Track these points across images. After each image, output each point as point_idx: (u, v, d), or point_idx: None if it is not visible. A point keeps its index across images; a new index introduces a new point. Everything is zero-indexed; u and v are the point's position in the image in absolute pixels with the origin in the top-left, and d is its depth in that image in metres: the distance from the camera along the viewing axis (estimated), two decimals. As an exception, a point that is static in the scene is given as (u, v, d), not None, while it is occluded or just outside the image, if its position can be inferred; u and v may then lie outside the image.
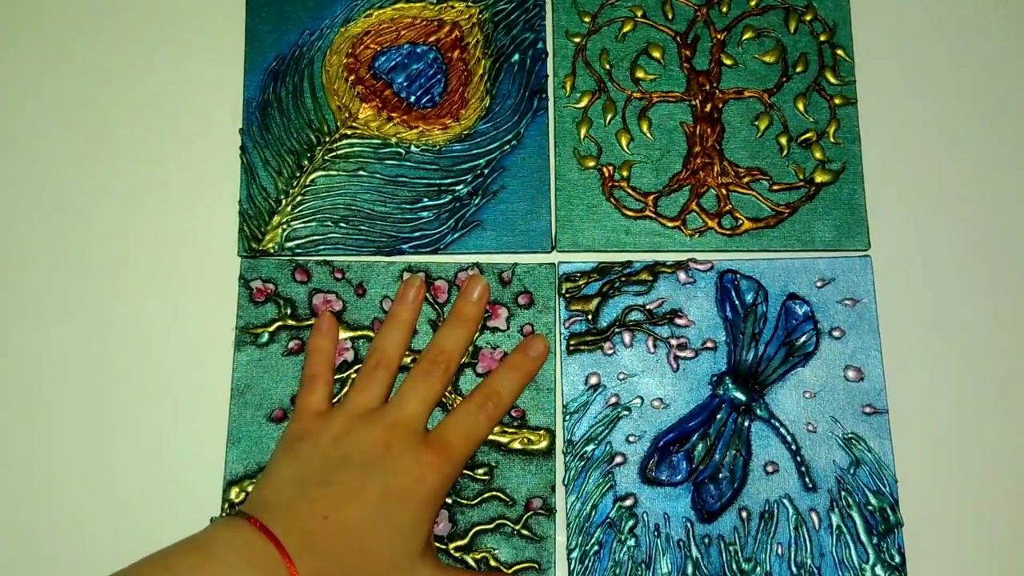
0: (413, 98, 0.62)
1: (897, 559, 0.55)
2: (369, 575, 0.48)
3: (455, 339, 0.56)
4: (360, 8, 0.64)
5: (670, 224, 0.60)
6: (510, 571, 0.55)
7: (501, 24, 0.64)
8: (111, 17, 0.64)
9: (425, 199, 0.60)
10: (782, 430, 0.57)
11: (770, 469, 0.57)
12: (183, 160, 0.62)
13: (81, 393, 0.58)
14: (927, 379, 0.59)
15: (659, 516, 0.56)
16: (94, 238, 0.61)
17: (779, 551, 0.55)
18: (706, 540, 0.56)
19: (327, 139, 0.62)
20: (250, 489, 0.56)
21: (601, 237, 0.60)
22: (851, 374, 0.58)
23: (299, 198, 0.60)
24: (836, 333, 0.58)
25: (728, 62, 0.63)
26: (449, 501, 0.56)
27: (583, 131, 0.62)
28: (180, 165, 0.62)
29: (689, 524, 0.56)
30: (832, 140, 0.61)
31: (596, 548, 0.55)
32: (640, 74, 0.63)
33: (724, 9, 0.64)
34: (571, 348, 0.58)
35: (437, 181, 0.61)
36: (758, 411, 0.57)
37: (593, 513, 0.56)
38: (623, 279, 0.59)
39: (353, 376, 0.58)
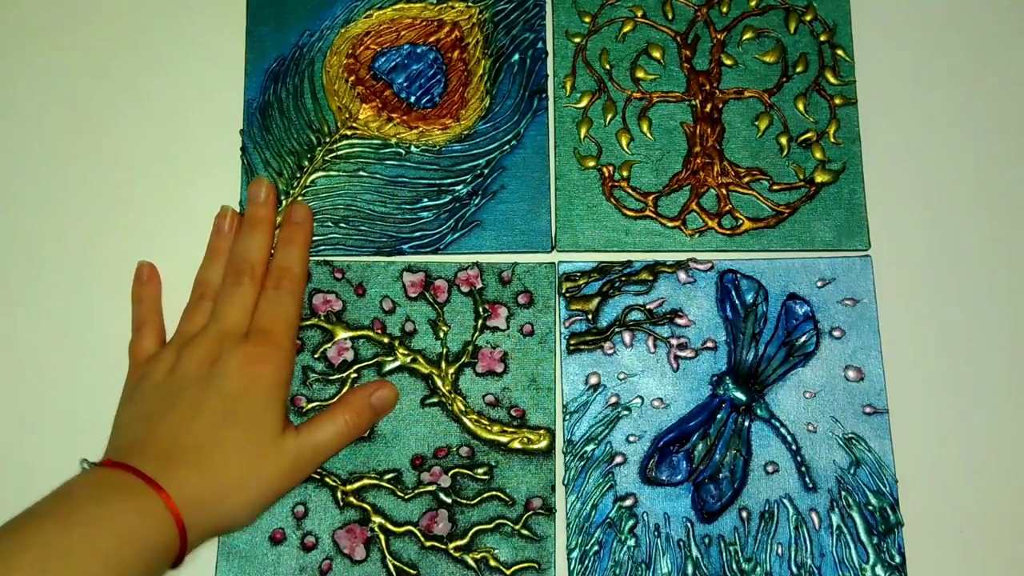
0: (413, 98, 0.62)
1: (897, 559, 0.55)
2: (236, 473, 0.50)
3: (255, 244, 0.57)
4: (360, 9, 0.64)
5: (670, 224, 0.60)
6: (510, 571, 0.55)
7: (501, 24, 0.64)
8: (112, 18, 0.64)
9: (425, 199, 0.61)
10: (782, 430, 0.57)
11: (770, 469, 0.57)
12: (184, 161, 0.62)
13: (82, 392, 0.58)
14: (927, 379, 0.59)
15: (659, 516, 0.56)
16: (95, 238, 0.61)
17: (779, 551, 0.55)
18: (706, 540, 0.56)
19: (327, 140, 0.62)
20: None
21: (601, 237, 0.60)
22: (851, 374, 0.58)
23: (299, 198, 0.61)
24: (836, 333, 0.58)
25: (728, 62, 0.63)
26: (449, 501, 0.56)
27: (583, 131, 0.62)
28: (181, 165, 0.62)
29: (689, 524, 0.56)
30: (832, 140, 0.61)
31: (596, 548, 0.55)
32: (640, 74, 0.63)
33: (724, 9, 0.64)
34: (571, 348, 0.58)
35: (437, 181, 0.61)
36: (758, 411, 0.57)
37: (593, 513, 0.56)
38: (623, 279, 0.59)
39: (353, 375, 0.58)
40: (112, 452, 0.51)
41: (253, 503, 0.51)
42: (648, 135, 0.62)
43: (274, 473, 0.51)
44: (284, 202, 0.60)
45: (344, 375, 0.58)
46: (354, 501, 0.56)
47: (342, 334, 0.58)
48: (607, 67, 0.63)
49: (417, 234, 0.60)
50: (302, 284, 0.57)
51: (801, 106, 0.62)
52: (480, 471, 0.57)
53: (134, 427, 0.51)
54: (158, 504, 0.46)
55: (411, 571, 0.55)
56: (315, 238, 0.60)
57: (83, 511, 0.45)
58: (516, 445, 0.57)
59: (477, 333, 0.59)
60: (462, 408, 0.57)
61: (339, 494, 0.56)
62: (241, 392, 0.51)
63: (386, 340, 0.58)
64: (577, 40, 0.63)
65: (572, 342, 0.58)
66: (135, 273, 0.59)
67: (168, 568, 0.48)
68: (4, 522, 0.46)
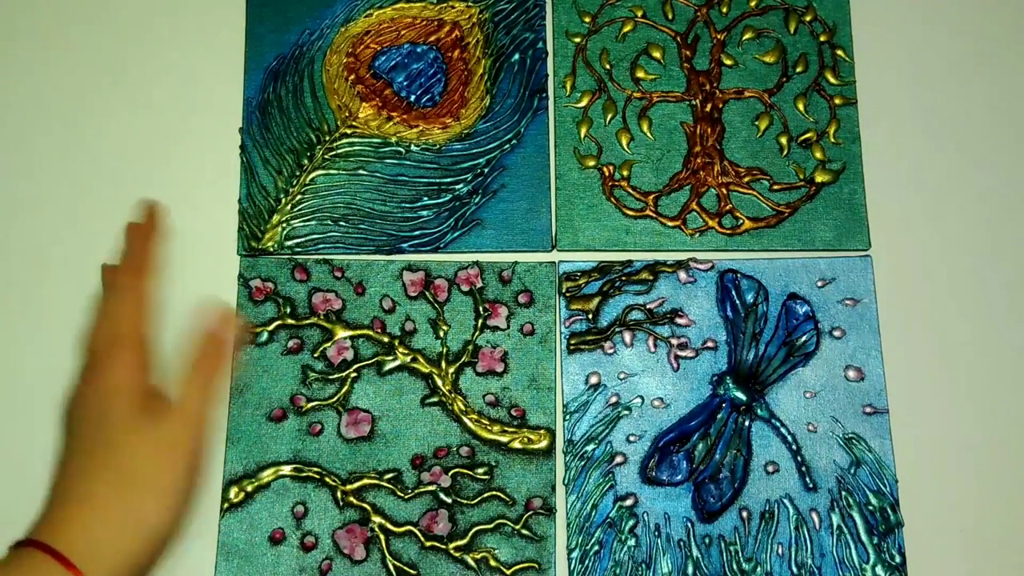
0: (413, 97, 0.62)
1: (897, 559, 0.55)
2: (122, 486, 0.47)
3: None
4: (360, 8, 0.64)
5: (670, 223, 0.60)
6: (510, 571, 0.55)
7: (501, 24, 0.64)
8: (112, 17, 0.64)
9: (425, 198, 0.60)
10: (782, 430, 0.57)
11: (771, 469, 0.57)
12: (183, 159, 0.62)
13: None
14: (927, 379, 0.59)
15: (659, 516, 0.56)
16: (94, 237, 0.60)
17: (779, 551, 0.55)
18: (706, 540, 0.55)
19: (327, 138, 0.62)
20: (249, 489, 0.56)
21: (601, 236, 0.60)
22: (851, 374, 0.58)
23: (299, 197, 0.60)
24: (836, 333, 0.58)
25: (728, 62, 0.63)
26: (449, 501, 0.56)
27: (583, 131, 0.62)
28: (180, 164, 0.62)
29: (689, 524, 0.56)
30: (832, 140, 0.62)
31: (596, 548, 0.55)
32: (640, 74, 0.63)
33: (724, 9, 0.64)
34: (571, 347, 0.58)
35: (437, 180, 0.61)
36: (759, 411, 0.57)
37: (593, 513, 0.56)
38: (623, 278, 0.59)
39: (352, 375, 0.58)
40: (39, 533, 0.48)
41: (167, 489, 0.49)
42: (648, 135, 0.62)
43: (163, 457, 0.49)
44: (283, 200, 0.60)
45: (344, 374, 0.58)
46: (354, 501, 0.56)
47: (342, 333, 0.58)
48: (607, 67, 0.63)
49: (417, 233, 0.60)
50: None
51: (801, 106, 0.62)
52: (480, 471, 0.56)
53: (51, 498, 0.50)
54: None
55: (411, 571, 0.55)
56: (314, 236, 0.60)
57: None
58: (516, 445, 0.57)
59: (477, 332, 0.58)
60: (462, 408, 0.57)
61: (339, 494, 0.56)
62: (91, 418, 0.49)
63: (386, 339, 0.58)
64: (577, 40, 0.63)
65: (572, 342, 0.58)
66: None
67: None
68: None
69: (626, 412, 0.57)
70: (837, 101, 0.62)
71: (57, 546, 0.46)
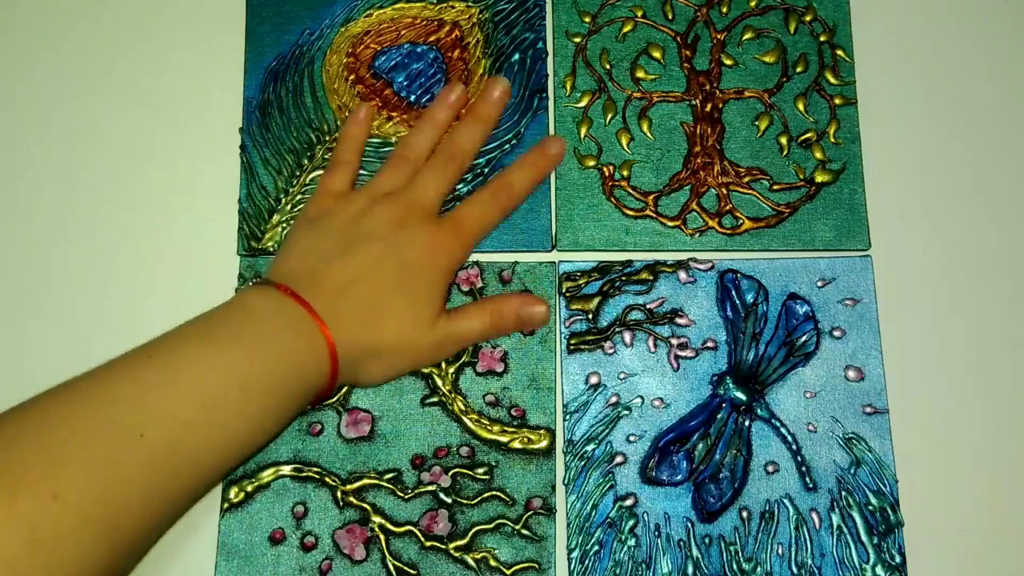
0: (413, 97, 0.62)
1: (897, 559, 0.55)
2: (392, 335, 0.52)
3: (471, 135, 0.59)
4: (360, 8, 0.64)
5: (670, 223, 0.60)
6: (510, 571, 0.55)
7: (501, 24, 0.64)
8: (111, 17, 0.64)
9: (425, 198, 0.60)
10: (782, 430, 0.57)
11: (770, 469, 0.57)
12: (183, 159, 0.62)
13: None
14: (927, 379, 0.59)
15: (659, 516, 0.56)
16: (93, 237, 0.60)
17: (780, 551, 0.55)
18: (706, 540, 0.55)
19: (327, 138, 0.62)
20: (249, 488, 0.56)
21: (601, 236, 0.60)
22: (851, 374, 0.58)
23: (299, 197, 0.60)
24: (836, 333, 0.58)
25: (728, 62, 0.63)
26: (449, 501, 0.56)
27: (583, 131, 0.62)
28: (180, 164, 0.62)
29: (689, 524, 0.56)
30: (832, 140, 0.62)
31: (596, 548, 0.55)
32: (640, 74, 0.63)
33: (724, 9, 0.64)
34: (571, 347, 0.58)
35: (437, 180, 0.61)
36: (759, 411, 0.57)
37: (593, 513, 0.56)
38: (623, 278, 0.59)
39: None
40: (284, 273, 0.52)
41: (395, 368, 0.54)
42: (648, 135, 0.62)
43: (422, 348, 0.54)
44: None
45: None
46: (354, 501, 0.56)
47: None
48: (607, 67, 0.63)
49: (417, 233, 0.60)
50: (514, 207, 0.59)
51: (801, 106, 0.62)
52: (480, 471, 0.56)
53: (309, 258, 0.53)
54: (322, 344, 0.49)
55: (411, 571, 0.55)
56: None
57: (258, 333, 0.47)
58: (516, 445, 0.57)
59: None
60: (462, 408, 0.57)
61: (339, 494, 0.56)
62: (417, 266, 0.53)
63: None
64: (577, 40, 0.63)
65: (572, 342, 0.58)
66: (352, 113, 0.60)
67: (307, 406, 0.52)
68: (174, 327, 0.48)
69: (626, 412, 0.57)
70: (837, 101, 0.62)
71: (329, 324, 0.49)
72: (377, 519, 0.56)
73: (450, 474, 0.56)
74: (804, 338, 0.58)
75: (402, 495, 0.56)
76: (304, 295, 0.50)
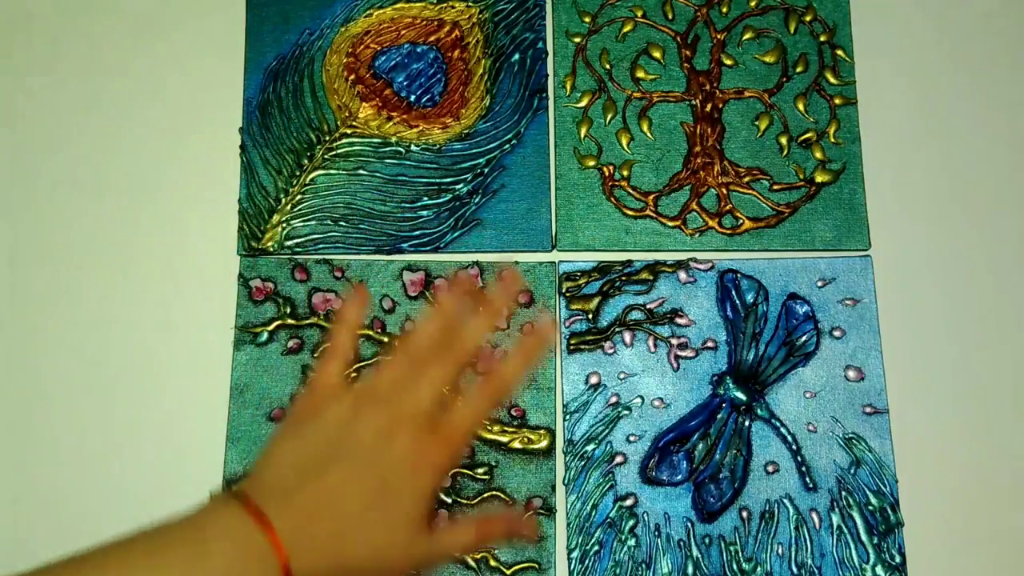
0: (413, 97, 0.62)
1: (897, 559, 0.55)
2: (363, 559, 0.48)
3: (479, 333, 0.55)
4: (360, 8, 0.64)
5: (670, 223, 0.60)
6: (510, 571, 0.55)
7: (501, 24, 0.64)
8: (112, 17, 0.64)
9: (425, 198, 0.60)
10: (782, 430, 0.57)
11: (770, 469, 0.57)
12: (183, 159, 0.62)
13: (81, 392, 0.58)
14: (927, 379, 0.59)
15: (659, 516, 0.56)
16: (94, 237, 0.60)
17: (779, 551, 0.55)
18: (706, 540, 0.55)
19: (327, 138, 0.61)
20: (249, 489, 0.56)
21: (601, 236, 0.60)
22: (851, 374, 0.58)
23: (299, 197, 0.60)
24: (836, 333, 0.58)
25: (728, 62, 0.63)
26: (449, 501, 0.56)
27: (583, 130, 0.62)
28: (180, 164, 0.62)
29: (689, 524, 0.56)
30: (832, 140, 0.61)
31: (596, 548, 0.55)
32: (640, 74, 0.63)
33: (724, 9, 0.64)
34: (571, 347, 0.58)
35: (437, 180, 0.61)
36: (759, 411, 0.57)
37: (593, 513, 0.56)
38: (623, 278, 0.59)
39: (352, 375, 0.58)
40: (257, 486, 0.49)
41: None
42: (648, 135, 0.62)
43: (396, 566, 0.50)
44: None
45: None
46: (354, 501, 0.56)
47: (342, 333, 0.58)
48: (607, 67, 0.63)
49: (417, 233, 0.60)
50: (509, 395, 0.55)
51: (801, 106, 0.62)
52: (480, 471, 0.56)
53: (286, 470, 0.50)
54: (276, 571, 0.46)
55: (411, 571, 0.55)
56: (314, 236, 0.60)
57: (208, 562, 0.45)
58: (516, 445, 0.57)
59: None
60: (462, 407, 0.57)
61: (339, 494, 0.56)
62: (400, 486, 0.50)
63: (386, 339, 0.58)
64: (577, 40, 0.63)
65: (572, 342, 0.58)
66: (348, 294, 0.57)
67: None
68: (128, 533, 0.45)
69: (626, 412, 0.57)
70: (837, 101, 0.62)
71: (291, 550, 0.45)
72: (377, 519, 0.55)
73: (450, 474, 0.56)
74: (804, 338, 0.58)
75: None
76: (273, 514, 0.47)
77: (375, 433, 0.50)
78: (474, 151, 0.61)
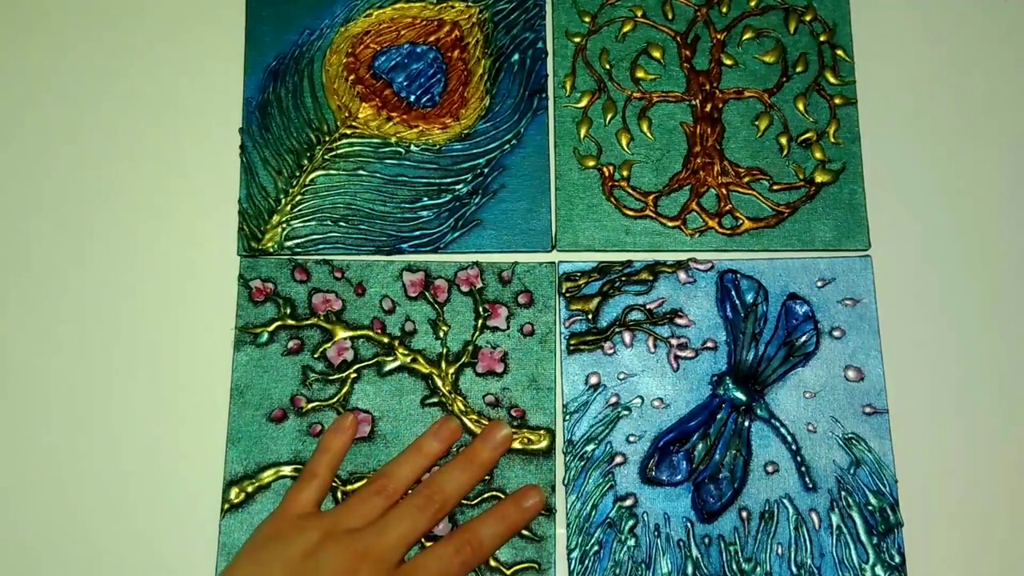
0: (413, 97, 0.62)
1: (897, 559, 0.55)
2: None
3: (458, 481, 0.54)
4: (360, 8, 0.64)
5: (670, 224, 0.60)
6: (510, 571, 0.55)
7: (501, 24, 0.64)
8: (111, 17, 0.64)
9: (425, 198, 0.60)
10: (782, 430, 0.57)
11: (770, 469, 0.57)
12: (183, 159, 0.62)
13: (81, 393, 0.58)
14: (927, 379, 0.59)
15: (659, 516, 0.56)
16: (93, 238, 0.60)
17: (779, 551, 0.55)
18: (706, 540, 0.56)
19: (327, 138, 0.62)
20: (250, 489, 0.56)
21: (601, 236, 0.60)
22: (851, 374, 0.58)
23: (299, 197, 0.60)
24: (836, 333, 0.58)
25: (728, 62, 0.63)
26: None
27: (583, 131, 0.62)
28: (180, 164, 0.62)
29: (689, 524, 0.56)
30: (832, 140, 0.61)
31: (596, 548, 0.55)
32: (640, 74, 0.63)
33: (724, 9, 0.64)
34: (571, 348, 0.58)
35: (437, 180, 0.61)
36: (758, 411, 0.57)
37: (593, 513, 0.56)
38: (623, 279, 0.59)
39: (352, 375, 0.58)
40: None
41: None
42: (648, 135, 0.62)
43: None
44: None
45: (344, 375, 0.58)
46: (354, 501, 0.56)
47: (342, 334, 0.58)
48: (607, 67, 0.63)
49: (417, 233, 0.60)
50: (479, 563, 0.53)
51: (801, 106, 0.62)
52: (480, 471, 0.56)
53: None
54: None
55: (411, 571, 0.55)
56: (314, 237, 0.60)
57: None
58: (516, 445, 0.57)
59: (477, 333, 0.58)
60: (462, 408, 0.57)
61: (339, 494, 0.56)
62: None
63: (386, 340, 0.58)
64: (577, 40, 0.63)
65: (572, 342, 0.58)
66: (336, 421, 0.56)
67: None
68: None
69: (626, 412, 0.57)
70: (837, 101, 0.62)
71: None
72: (377, 519, 0.55)
73: None
74: (804, 338, 0.58)
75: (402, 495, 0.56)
76: None
77: (335, 569, 0.50)
78: (474, 151, 0.61)
